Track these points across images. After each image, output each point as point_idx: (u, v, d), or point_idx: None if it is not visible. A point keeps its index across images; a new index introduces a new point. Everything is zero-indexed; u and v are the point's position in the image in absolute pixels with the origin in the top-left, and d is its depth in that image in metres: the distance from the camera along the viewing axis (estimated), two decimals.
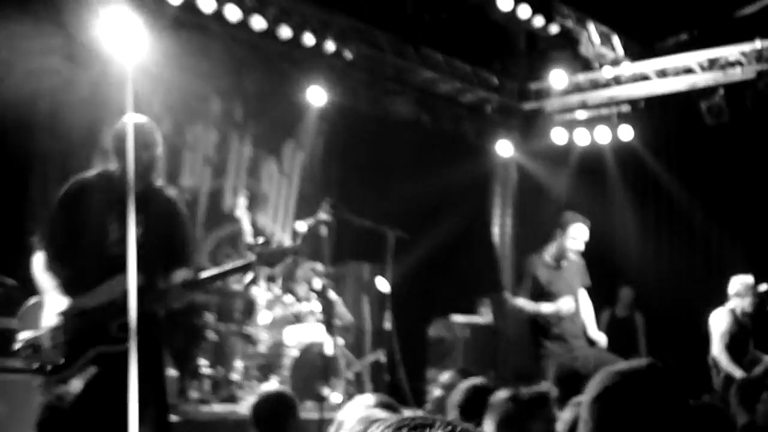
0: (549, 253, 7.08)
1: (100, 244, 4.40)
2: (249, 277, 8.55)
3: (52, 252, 4.44)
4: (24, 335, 4.36)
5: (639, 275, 11.12)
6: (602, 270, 7.98)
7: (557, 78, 11.52)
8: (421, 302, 11.17)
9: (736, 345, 7.78)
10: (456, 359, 10.20)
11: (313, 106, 10.50)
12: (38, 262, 4.48)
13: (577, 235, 6.99)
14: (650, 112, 11.32)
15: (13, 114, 7.85)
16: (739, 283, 8.03)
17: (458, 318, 10.86)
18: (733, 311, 7.97)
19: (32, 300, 4.52)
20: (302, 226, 7.76)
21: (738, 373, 7.33)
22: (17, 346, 4.33)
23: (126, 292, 3.57)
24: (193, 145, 10.19)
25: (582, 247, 6.94)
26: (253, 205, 10.45)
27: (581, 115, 11.99)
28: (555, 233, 7.10)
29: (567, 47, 11.29)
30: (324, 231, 8.03)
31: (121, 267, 3.66)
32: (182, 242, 4.72)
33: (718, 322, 7.98)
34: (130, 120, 4.29)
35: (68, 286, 4.36)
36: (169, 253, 4.60)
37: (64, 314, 4.32)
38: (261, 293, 8.76)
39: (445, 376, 5.66)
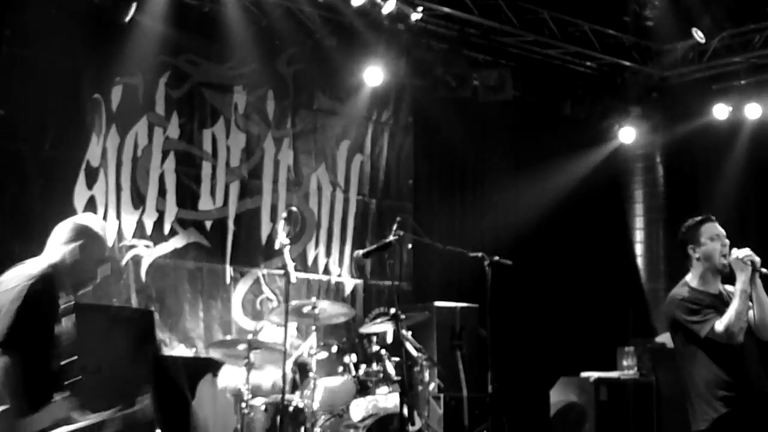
0: (698, 276, 6.86)
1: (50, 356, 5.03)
2: None
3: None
4: None
5: None
6: None
7: (709, 32, 11.17)
8: (538, 355, 11.10)
9: None
10: (591, 430, 10.18)
11: (372, 89, 10.51)
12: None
13: (715, 234, 6.79)
14: None
15: None
16: None
17: (591, 374, 10.75)
18: None
19: None
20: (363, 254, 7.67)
21: None
22: None
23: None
24: (211, 153, 10.17)
25: (727, 246, 6.78)
26: (299, 229, 10.43)
27: (751, 80, 11.79)
28: (689, 252, 6.92)
29: None
30: (396, 260, 7.92)
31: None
32: None
33: None
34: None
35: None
36: None
37: None
38: (313, 354, 8.66)
39: None
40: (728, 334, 6.18)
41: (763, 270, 6.37)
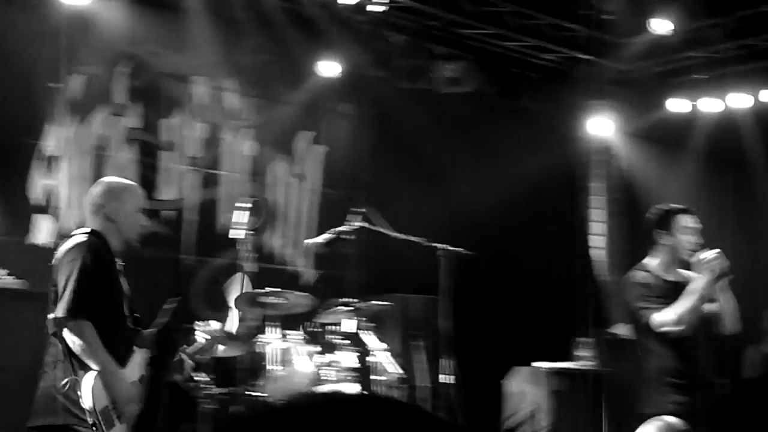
0: (657, 262, 6.97)
1: (121, 311, 5.72)
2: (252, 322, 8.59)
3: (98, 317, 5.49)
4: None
5: None
6: (744, 294, 7.85)
7: (669, 25, 11.33)
8: (493, 346, 11.15)
9: None
10: (542, 420, 10.22)
11: (332, 80, 10.57)
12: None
13: (688, 227, 6.92)
14: None
15: None
16: None
17: (545, 365, 10.84)
18: None
19: None
20: (318, 244, 7.81)
21: None
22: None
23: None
24: (171, 143, 10.29)
25: (698, 244, 6.87)
26: (258, 220, 10.53)
27: (707, 75, 11.99)
28: (655, 236, 7.02)
29: None
30: (353, 250, 8.01)
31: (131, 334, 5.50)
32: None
33: None
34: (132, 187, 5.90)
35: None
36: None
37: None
38: (272, 344, 8.72)
39: None
40: (664, 329, 6.41)
41: (728, 277, 6.55)
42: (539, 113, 12.28)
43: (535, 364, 10.91)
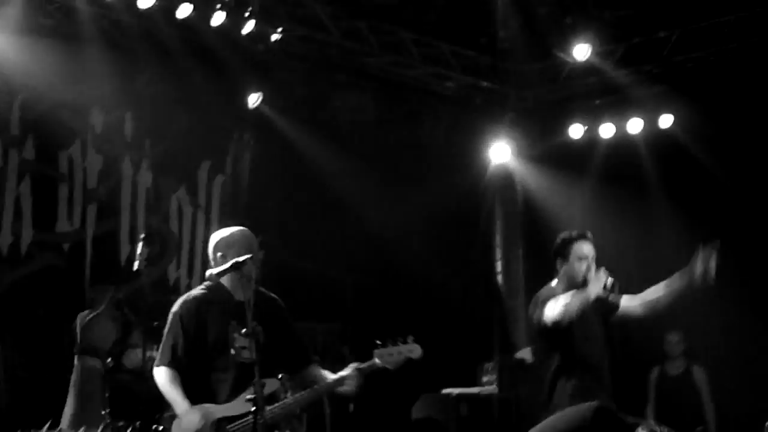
0: (561, 287, 7.13)
1: (227, 352, 5.84)
2: None
3: (179, 364, 5.85)
4: None
5: (695, 317, 11.16)
6: (645, 318, 7.97)
7: (567, 52, 11.53)
8: (399, 373, 11.10)
9: None
10: None
11: (233, 109, 10.66)
12: (161, 376, 5.82)
13: (583, 256, 7.08)
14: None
15: None
16: None
17: (452, 391, 10.85)
18: None
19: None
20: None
21: None
22: None
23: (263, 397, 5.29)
24: (68, 175, 10.17)
25: (593, 270, 7.03)
26: (159, 252, 10.46)
27: (604, 100, 12.14)
28: (556, 263, 7.20)
29: (577, 10, 11.36)
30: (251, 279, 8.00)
31: (249, 373, 5.28)
32: (300, 340, 6.47)
33: None
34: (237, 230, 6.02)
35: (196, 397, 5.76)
36: (292, 353, 6.28)
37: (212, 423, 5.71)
38: None
39: None
40: (553, 319, 6.55)
41: (615, 291, 6.75)
42: (442, 140, 12.32)
43: (444, 390, 10.92)
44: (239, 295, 5.69)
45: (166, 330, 5.95)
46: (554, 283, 7.06)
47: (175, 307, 6.01)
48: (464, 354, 11.68)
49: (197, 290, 6.19)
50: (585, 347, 6.90)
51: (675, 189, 11.87)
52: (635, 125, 11.90)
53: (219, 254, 6.01)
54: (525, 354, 10.94)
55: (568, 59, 11.66)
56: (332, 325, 10.07)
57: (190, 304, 6.04)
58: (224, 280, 5.93)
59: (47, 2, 9.42)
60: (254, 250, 6.01)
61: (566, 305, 6.55)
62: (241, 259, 5.69)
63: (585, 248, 7.02)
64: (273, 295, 6.36)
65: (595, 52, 11.60)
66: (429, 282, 11.75)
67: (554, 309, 6.59)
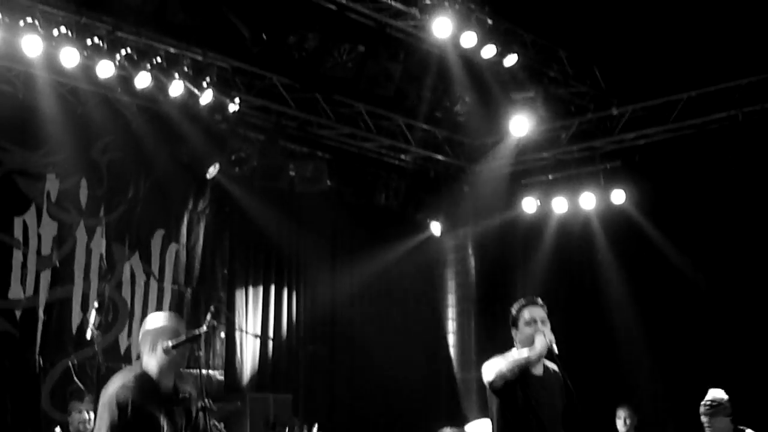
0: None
1: None
2: None
3: None
4: None
5: (649, 389, 11.26)
6: (598, 388, 8.03)
7: (522, 127, 11.70)
8: None
9: None
10: None
11: (188, 178, 10.66)
12: None
13: (531, 320, 7.11)
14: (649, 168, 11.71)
15: None
16: None
17: None
18: None
19: None
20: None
21: None
22: None
23: None
24: (22, 241, 10.11)
25: (546, 336, 7.08)
26: (111, 319, 10.42)
27: (557, 176, 12.37)
28: (511, 333, 7.22)
29: (532, 86, 11.49)
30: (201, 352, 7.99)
31: None
32: None
33: None
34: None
35: None
36: None
37: None
38: None
39: None
40: (491, 377, 6.63)
41: (554, 351, 6.84)
42: (396, 212, 12.38)
43: None
44: (166, 383, 5.79)
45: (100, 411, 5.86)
46: (514, 350, 7.11)
47: (110, 389, 5.90)
48: (417, 426, 11.59)
49: (128, 380, 6.06)
50: (532, 411, 6.91)
51: (626, 262, 12.00)
52: (588, 200, 12.03)
53: (149, 344, 6.03)
54: (474, 426, 10.94)
55: (521, 134, 11.82)
56: (283, 396, 9.93)
57: (123, 392, 5.92)
58: (152, 367, 5.95)
59: (6, 69, 9.45)
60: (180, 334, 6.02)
61: (501, 365, 6.58)
62: (197, 332, 5.74)
63: (534, 312, 7.05)
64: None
65: (548, 128, 11.79)
66: (382, 352, 11.77)
67: (491, 369, 6.63)
